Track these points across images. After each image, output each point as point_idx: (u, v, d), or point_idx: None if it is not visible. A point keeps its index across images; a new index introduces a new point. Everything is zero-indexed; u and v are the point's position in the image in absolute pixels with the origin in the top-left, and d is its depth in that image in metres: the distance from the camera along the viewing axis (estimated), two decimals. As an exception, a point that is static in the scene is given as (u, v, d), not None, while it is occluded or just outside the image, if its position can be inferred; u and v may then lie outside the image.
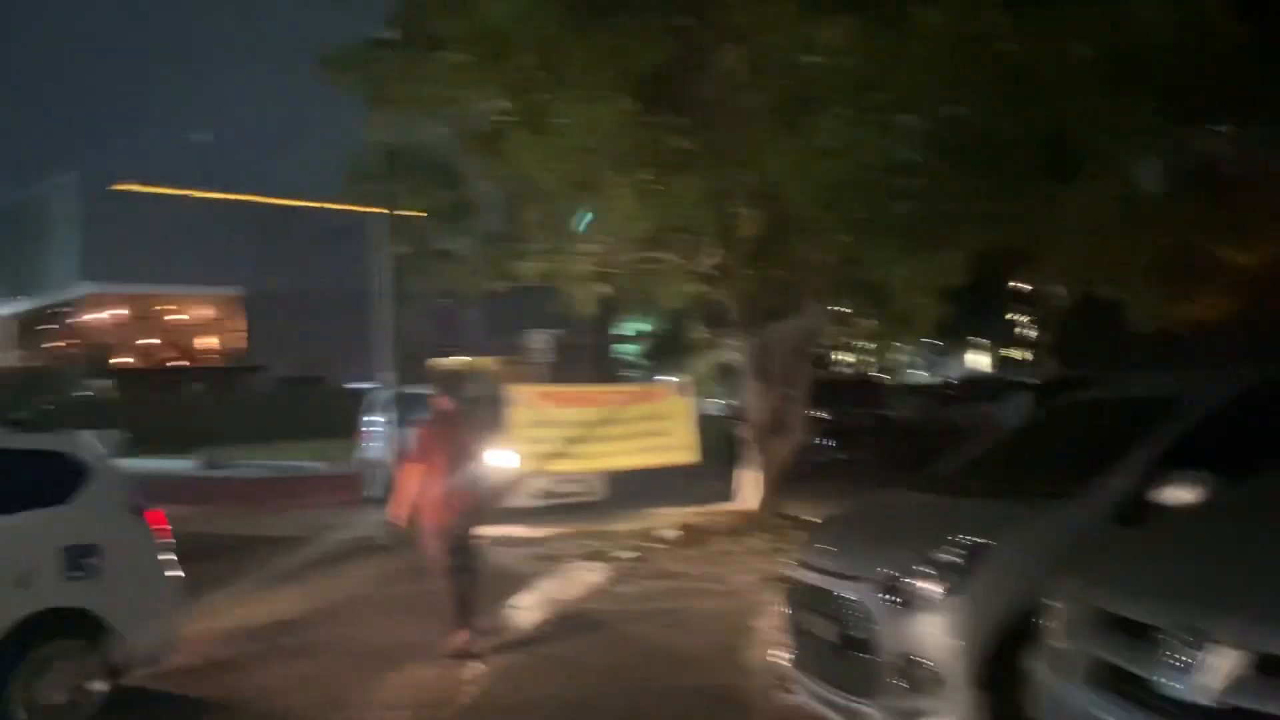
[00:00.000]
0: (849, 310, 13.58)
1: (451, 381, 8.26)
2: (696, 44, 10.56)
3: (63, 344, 45.23)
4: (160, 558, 6.15)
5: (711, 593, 9.12)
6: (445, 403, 7.80)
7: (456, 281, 13.53)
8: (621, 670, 6.75)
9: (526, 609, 8.76)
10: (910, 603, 4.43)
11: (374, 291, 14.05)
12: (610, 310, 16.08)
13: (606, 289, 12.93)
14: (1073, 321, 31.76)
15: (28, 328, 47.96)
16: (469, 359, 46.88)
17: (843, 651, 4.69)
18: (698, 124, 10.89)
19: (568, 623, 8.19)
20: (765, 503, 12.00)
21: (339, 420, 31.49)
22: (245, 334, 48.31)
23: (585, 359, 19.50)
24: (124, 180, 44.69)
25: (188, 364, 47.13)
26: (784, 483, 12.43)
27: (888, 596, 4.50)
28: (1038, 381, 17.11)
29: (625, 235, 10.98)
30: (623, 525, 12.69)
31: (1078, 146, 9.71)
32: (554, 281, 12.94)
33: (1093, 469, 4.64)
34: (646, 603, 8.84)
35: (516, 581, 9.77)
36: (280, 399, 38.77)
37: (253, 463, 26.54)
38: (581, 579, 9.92)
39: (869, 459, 19.00)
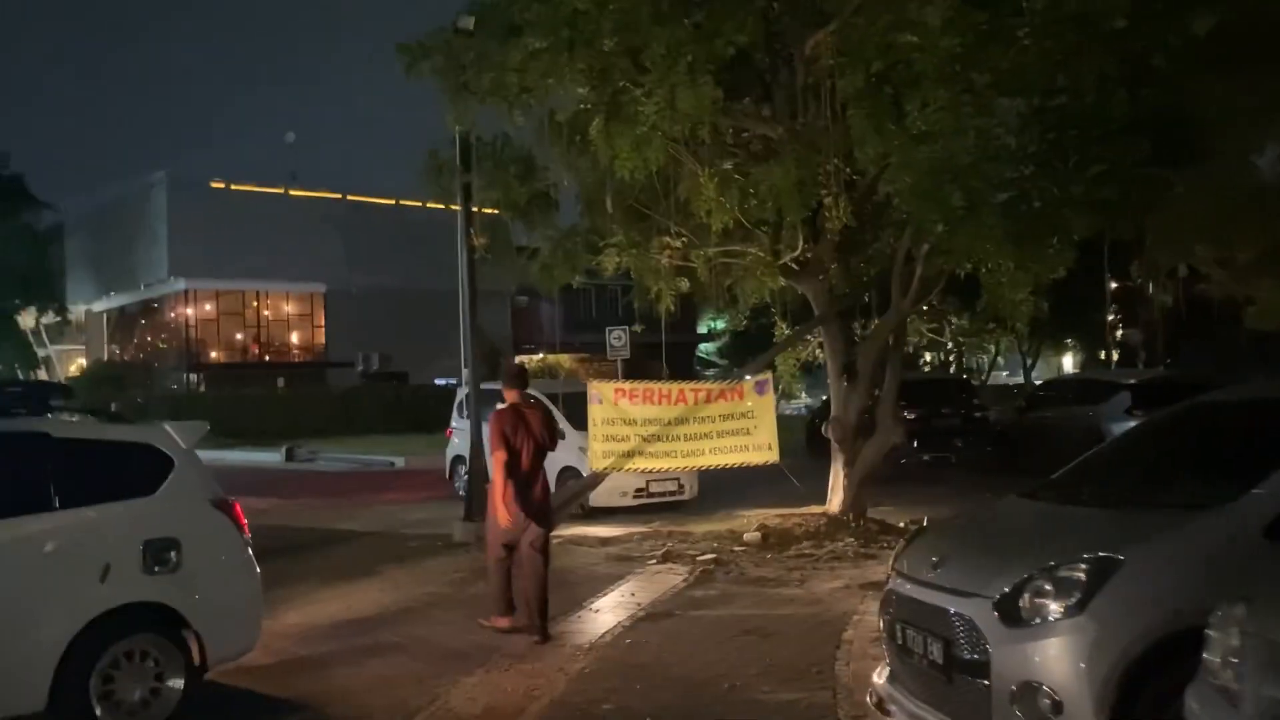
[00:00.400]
0: (939, 306, 13.04)
1: (517, 376, 8.08)
2: (783, 27, 10.16)
3: (154, 339, 46.48)
4: (241, 553, 6.04)
5: (795, 599, 8.73)
6: (513, 395, 7.78)
7: (534, 277, 13.36)
8: (701, 682, 6.41)
9: (602, 612, 8.48)
10: (1029, 623, 4.01)
11: (455, 288, 13.97)
12: (691, 306, 15.76)
13: (687, 284, 12.61)
14: (1170, 320, 30.53)
15: (121, 323, 49.44)
16: (547, 355, 47.03)
17: (949, 673, 4.28)
18: (784, 110, 10.49)
19: (644, 628, 7.88)
20: (850, 505, 11.55)
21: (422, 416, 31.90)
22: (330, 330, 49.10)
23: (664, 356, 19.21)
24: (214, 178, 45.74)
25: (274, 359, 48.09)
26: (869, 485, 11.96)
27: (1003, 615, 4.08)
28: (1135, 382, 16.23)
29: (707, 227, 10.61)
30: (702, 526, 12.39)
31: (1193, 129, 9.08)
32: (633, 276, 12.68)
33: (1235, 478, 4.15)
34: (726, 608, 8.49)
35: (592, 582, 9.52)
36: (364, 394, 39.29)
37: (335, 456, 26.93)
38: (659, 581, 9.61)
39: (957, 462, 18.40)
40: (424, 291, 38.79)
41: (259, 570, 6.17)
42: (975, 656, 4.14)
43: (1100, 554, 3.99)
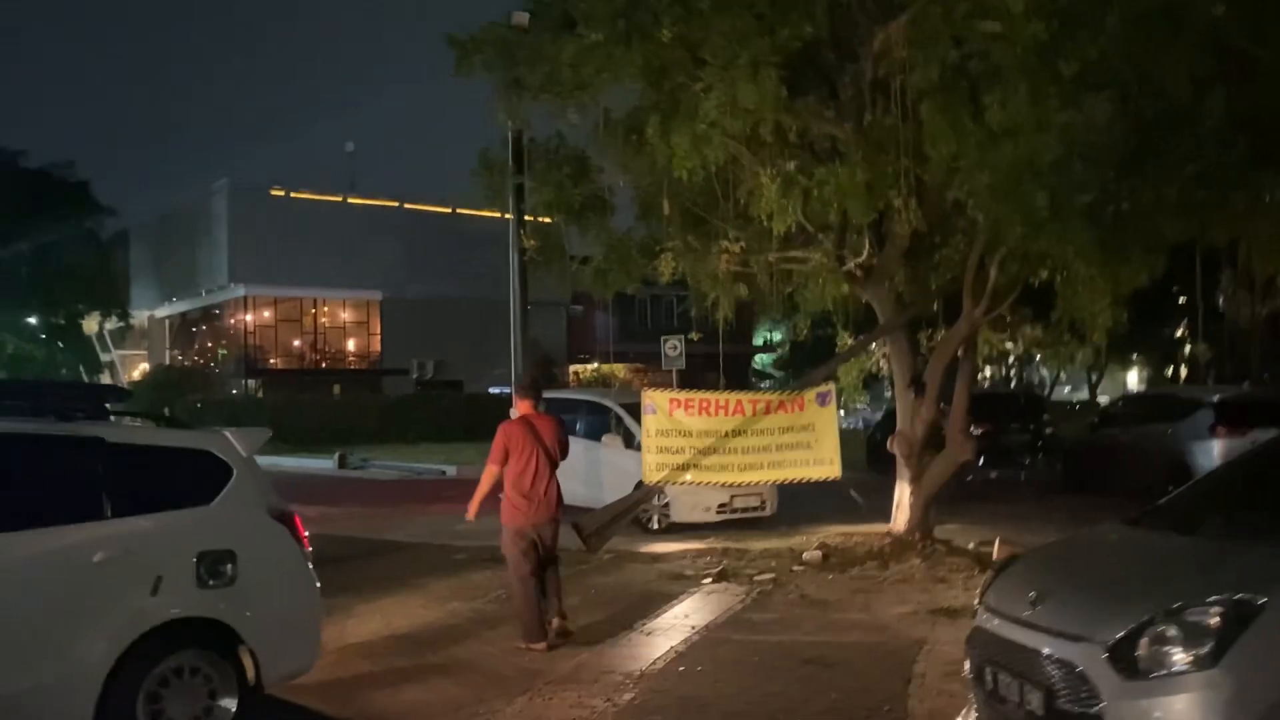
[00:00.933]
0: (1012, 316, 12.37)
1: (529, 387, 8.10)
2: (851, 17, 9.64)
3: (214, 344, 47.05)
4: (301, 567, 5.70)
5: (859, 625, 8.17)
6: (526, 405, 7.85)
7: (588, 284, 12.95)
8: (761, 717, 5.92)
9: (653, 634, 8.00)
10: (1150, 674, 3.46)
11: (507, 295, 13.67)
12: (748, 315, 15.25)
13: (745, 290, 12.11)
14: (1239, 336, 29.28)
15: (182, 329, 50.15)
16: (602, 365, 46.75)
17: (1051, 727, 3.74)
18: (851, 107, 9.96)
19: (698, 654, 7.38)
20: (915, 524, 10.94)
21: (476, 424, 31.69)
22: (385, 337, 49.37)
23: (720, 366, 18.72)
24: (274, 186, 46.22)
25: (331, 365, 48.44)
26: (936, 503, 11.34)
27: (1118, 664, 3.53)
28: (1220, 399, 15.35)
29: (768, 231, 10.10)
30: (759, 543, 11.86)
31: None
32: (690, 282, 12.21)
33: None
34: (785, 633, 7.97)
35: (644, 602, 9.05)
36: (418, 402, 39.34)
37: (387, 464, 26.82)
38: (714, 602, 9.11)
39: (1026, 480, 17.66)
40: (479, 300, 38.76)
41: (319, 585, 5.82)
42: (1083, 710, 3.60)
43: (1237, 596, 3.43)
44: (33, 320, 39.09)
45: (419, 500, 18.42)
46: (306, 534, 5.80)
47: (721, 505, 13.28)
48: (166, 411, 6.17)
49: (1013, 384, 36.78)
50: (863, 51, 9.65)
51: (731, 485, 11.75)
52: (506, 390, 13.60)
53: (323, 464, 26.75)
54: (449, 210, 45.30)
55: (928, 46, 8.58)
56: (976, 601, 4.60)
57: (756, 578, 9.95)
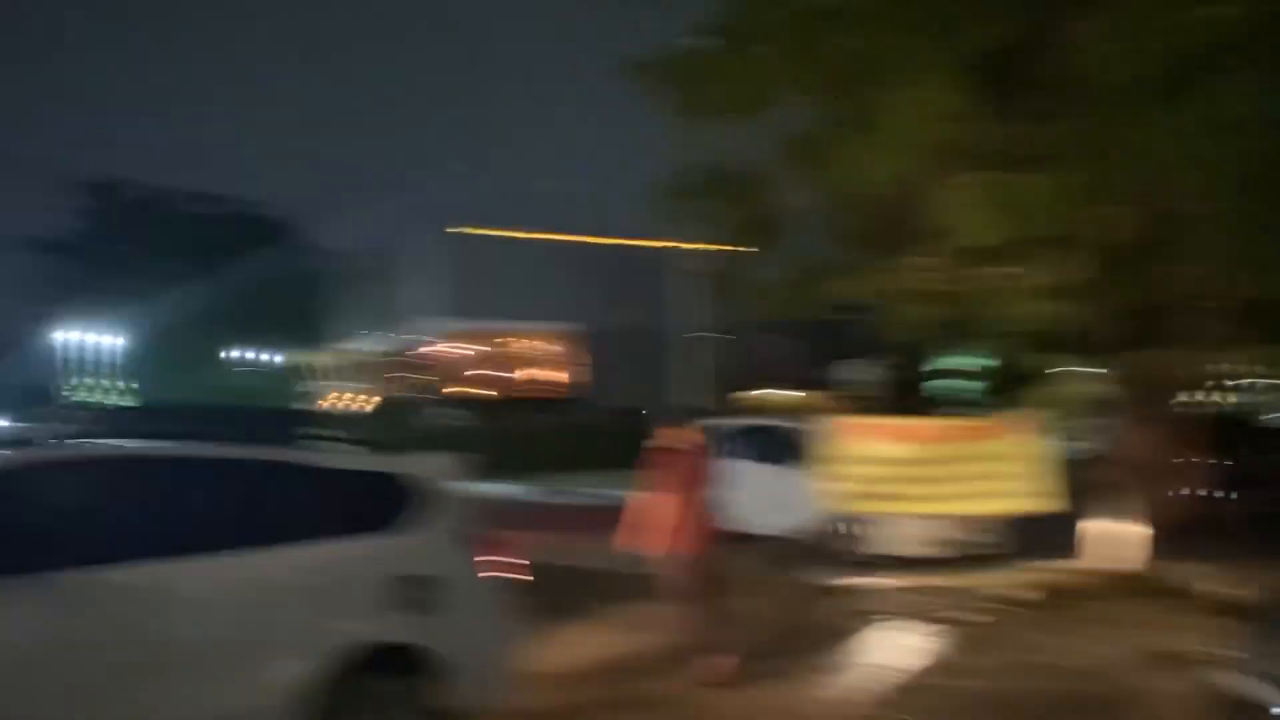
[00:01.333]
0: (1243, 333, 11.12)
1: (684, 412, 7.80)
2: (1046, 12, 8.92)
3: (417, 376, 49.38)
4: (497, 595, 5.57)
5: (1091, 675, 7.37)
6: (678, 434, 7.80)
7: (768, 308, 12.58)
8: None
9: (845, 675, 7.49)
10: None
11: (686, 324, 13.40)
12: (942, 336, 14.46)
13: (940, 311, 11.39)
14: None
15: (390, 362, 52.92)
16: (783, 392, 46.00)
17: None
18: (1055, 109, 9.20)
19: (901, 705, 6.83)
20: (1145, 562, 9.90)
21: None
22: (579, 367, 50.51)
23: (910, 392, 17.88)
24: (471, 223, 48.23)
25: (526, 395, 49.92)
26: (1168, 540, 10.25)
27: None
28: None
29: (964, 246, 9.47)
30: (969, 579, 10.99)
31: None
32: (878, 303, 11.61)
33: None
34: (1002, 681, 7.26)
35: (836, 641, 8.52)
36: (608, 430, 39.82)
37: (580, 490, 27.14)
38: (918, 645, 8.49)
39: (1266, 514, 15.88)
40: (664, 329, 38.98)
41: (517, 612, 5.67)
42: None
43: None
44: (252, 354, 42.15)
45: (607, 527, 18.39)
46: (507, 561, 5.67)
47: (941, 540, 11.89)
48: (367, 437, 6.37)
49: (1223, 408, 33.56)
50: (1062, 48, 8.91)
51: (933, 516, 10.96)
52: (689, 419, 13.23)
53: (518, 490, 27.36)
54: (642, 242, 45.92)
55: (1141, 37, 7.79)
56: (1231, 657, 3.95)
57: (965, 617, 9.24)
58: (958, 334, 14.95)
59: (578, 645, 8.47)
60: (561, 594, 11.11)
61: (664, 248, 25.16)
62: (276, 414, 10.63)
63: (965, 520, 11.30)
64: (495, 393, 49.52)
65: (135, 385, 37.12)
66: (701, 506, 7.53)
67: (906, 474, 10.01)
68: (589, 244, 49.69)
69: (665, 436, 7.88)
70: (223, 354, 40.56)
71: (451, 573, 5.39)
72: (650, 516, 7.62)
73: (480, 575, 5.53)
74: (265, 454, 5.23)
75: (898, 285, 10.64)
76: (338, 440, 5.90)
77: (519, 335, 52.54)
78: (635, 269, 45.17)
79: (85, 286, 38.87)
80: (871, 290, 11.03)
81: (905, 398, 17.92)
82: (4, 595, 4.37)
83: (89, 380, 34.76)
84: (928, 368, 18.12)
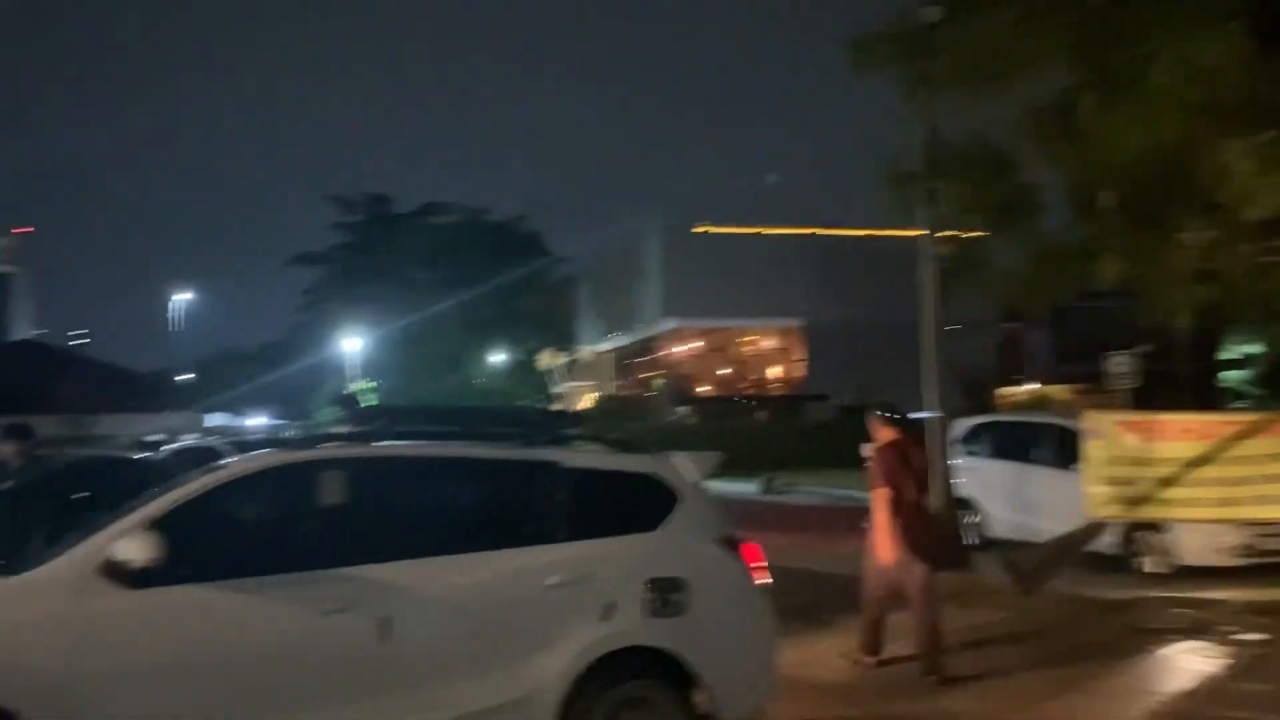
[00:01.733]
0: None
1: (893, 414, 7.61)
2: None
3: (648, 375, 50.20)
4: (755, 598, 5.38)
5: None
6: (890, 434, 7.55)
7: (1013, 296, 11.68)
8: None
9: (1110, 701, 6.77)
10: None
11: (927, 316, 12.56)
12: (1215, 322, 12.97)
13: (1211, 293, 10.18)
14: None
15: (621, 361, 54.11)
16: (1037, 386, 43.36)
17: None
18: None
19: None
20: None
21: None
22: (807, 363, 49.75)
23: (1180, 384, 16.19)
24: (697, 222, 48.54)
25: (756, 393, 49.72)
26: None
27: None
28: None
29: (1240, 218, 8.38)
30: (1247, 593, 9.75)
31: None
32: (1139, 288, 10.50)
33: None
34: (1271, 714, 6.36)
35: (1098, 659, 7.71)
36: (839, 427, 38.97)
37: (811, 490, 26.60)
38: (1185, 665, 7.59)
39: None
40: (900, 323, 37.57)
41: (774, 620, 5.44)
42: None
43: None
44: (497, 357, 44.14)
45: (837, 528, 17.82)
46: (762, 565, 5.45)
47: (1243, 546, 10.46)
48: (621, 436, 6.28)
49: None
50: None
51: (1225, 521, 9.80)
52: (927, 415, 12.49)
53: (747, 489, 27.15)
54: (868, 232, 44.70)
55: None
56: None
57: (1242, 637, 8.19)
58: (1228, 319, 13.35)
59: (824, 653, 8.03)
60: (800, 598, 10.71)
61: (902, 236, 24.15)
62: (531, 414, 10.84)
63: (1261, 525, 10.05)
64: (722, 391, 49.59)
65: (388, 388, 39.71)
66: (915, 507, 7.34)
67: (1195, 475, 9.01)
68: (821, 236, 48.85)
69: (878, 433, 7.61)
70: (467, 357, 42.76)
71: (706, 575, 5.22)
72: (883, 514, 7.36)
73: (735, 579, 5.33)
74: (528, 455, 5.25)
75: (1167, 265, 9.56)
76: (591, 440, 5.81)
77: (747, 332, 52.40)
78: (871, 260, 43.94)
79: (348, 296, 42.01)
80: (1137, 272, 9.97)
81: (1179, 391, 16.17)
82: (273, 591, 4.54)
83: (358, 385, 37.49)
84: (1207, 357, 16.31)
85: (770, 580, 5.44)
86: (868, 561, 7.61)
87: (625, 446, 5.82)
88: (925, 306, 12.08)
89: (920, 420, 11.64)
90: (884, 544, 7.32)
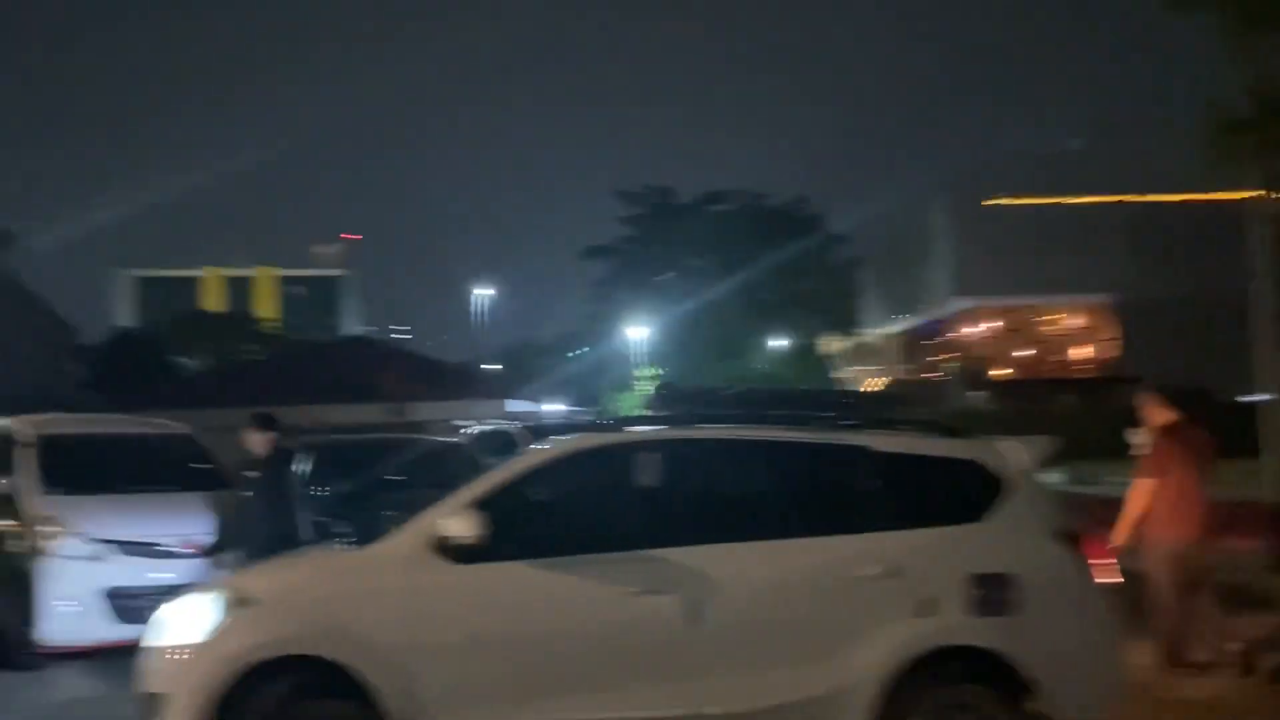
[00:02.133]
0: None
1: (1171, 397, 6.86)
2: None
3: (938, 357, 48.15)
4: (1093, 597, 4.93)
5: None
6: (1170, 415, 6.85)
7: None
8: None
9: None
10: None
11: (1255, 287, 11.25)
12: None
13: None
14: None
15: (909, 343, 52.23)
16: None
17: None
18: None
19: None
20: None
21: (1226, 438, 27.35)
22: (1118, 342, 45.83)
23: None
24: (987, 194, 45.88)
25: (1058, 374, 46.46)
26: None
27: None
28: None
29: None
30: None
31: None
32: None
33: None
34: None
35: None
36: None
37: (1122, 480, 24.40)
38: None
39: None
40: (1230, 296, 33.75)
41: (1115, 621, 4.97)
42: None
43: None
44: (779, 342, 43.93)
45: (1160, 523, 16.11)
46: (1098, 561, 5.00)
47: None
48: (939, 419, 5.83)
49: None
50: None
51: None
52: (1261, 399, 11.09)
53: (1053, 478, 25.35)
54: (1185, 198, 40.46)
55: None
56: None
57: None
58: None
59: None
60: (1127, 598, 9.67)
61: (1227, 200, 21.54)
62: (839, 398, 10.54)
63: None
64: (1022, 373, 46.69)
65: (671, 375, 40.58)
66: (1193, 493, 6.66)
67: None
68: (1130, 203, 44.81)
69: (1153, 416, 6.93)
70: (749, 343, 42.85)
71: (1040, 573, 4.81)
72: (1139, 505, 6.75)
73: (1074, 577, 4.88)
74: (839, 439, 5.07)
75: None
76: (905, 422, 5.46)
77: (1048, 310, 49.01)
78: (1193, 227, 39.74)
79: (636, 286, 43.38)
80: None
81: None
82: (587, 570, 4.64)
83: (643, 371, 38.63)
84: None
85: (1119, 579, 4.99)
86: (1152, 558, 6.79)
87: (944, 430, 5.38)
88: (1258, 276, 10.68)
89: (1244, 403, 10.31)
90: (1122, 533, 6.67)
